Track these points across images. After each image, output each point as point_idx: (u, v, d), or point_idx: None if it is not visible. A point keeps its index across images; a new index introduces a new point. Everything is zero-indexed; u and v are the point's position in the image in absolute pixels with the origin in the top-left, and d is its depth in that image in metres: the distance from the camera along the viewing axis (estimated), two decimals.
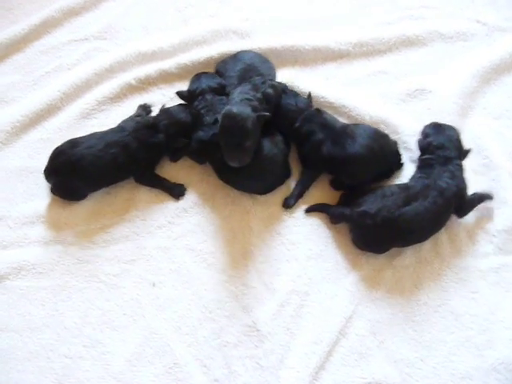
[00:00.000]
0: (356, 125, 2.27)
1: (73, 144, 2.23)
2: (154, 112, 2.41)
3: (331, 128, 2.22)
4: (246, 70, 2.36)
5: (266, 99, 2.20)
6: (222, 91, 2.32)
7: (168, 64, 2.51)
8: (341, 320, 2.04)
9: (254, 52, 2.44)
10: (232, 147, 2.09)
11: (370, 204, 2.08)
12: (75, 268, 2.16)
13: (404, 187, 2.12)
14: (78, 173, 2.20)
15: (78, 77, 2.49)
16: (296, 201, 2.24)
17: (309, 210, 2.23)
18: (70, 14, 2.71)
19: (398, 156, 2.27)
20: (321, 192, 2.27)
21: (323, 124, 2.23)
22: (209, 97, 2.29)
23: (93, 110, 2.44)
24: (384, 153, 2.21)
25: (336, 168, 2.23)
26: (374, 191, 2.13)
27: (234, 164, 2.11)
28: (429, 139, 2.20)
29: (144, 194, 2.28)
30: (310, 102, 2.34)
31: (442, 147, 2.17)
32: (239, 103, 2.13)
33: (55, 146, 2.32)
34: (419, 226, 2.08)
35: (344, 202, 2.21)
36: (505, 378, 1.94)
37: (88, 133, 2.29)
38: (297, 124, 2.25)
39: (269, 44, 2.52)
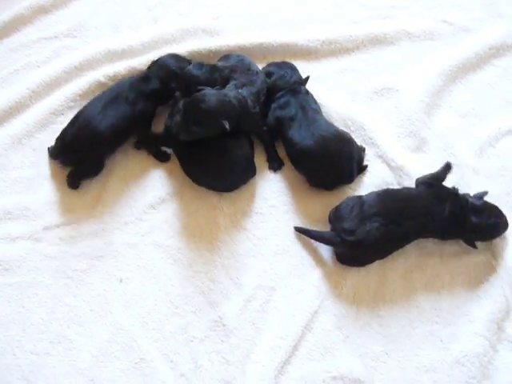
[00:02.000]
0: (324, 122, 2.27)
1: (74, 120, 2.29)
2: None
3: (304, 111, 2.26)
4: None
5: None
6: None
7: (137, 62, 2.50)
8: (306, 315, 2.06)
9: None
10: (180, 120, 2.15)
11: (363, 233, 2.03)
12: (42, 264, 2.15)
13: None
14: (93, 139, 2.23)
15: (47, 74, 2.48)
16: (278, 160, 2.32)
17: (298, 230, 2.20)
18: (40, 11, 2.70)
19: (360, 162, 2.28)
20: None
21: (302, 105, 2.28)
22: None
23: (61, 106, 2.42)
24: (341, 156, 2.19)
25: (291, 156, 2.27)
26: (359, 205, 2.09)
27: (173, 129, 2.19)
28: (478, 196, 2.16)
29: (111, 190, 2.28)
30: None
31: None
32: (221, 94, 2.18)
33: (23, 143, 2.36)
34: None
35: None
36: (468, 370, 1.96)
37: (56, 130, 2.31)
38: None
39: (238, 42, 2.53)
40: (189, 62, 2.41)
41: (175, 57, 2.42)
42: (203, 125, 2.13)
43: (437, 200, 2.10)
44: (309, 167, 2.23)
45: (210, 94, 2.16)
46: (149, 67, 2.40)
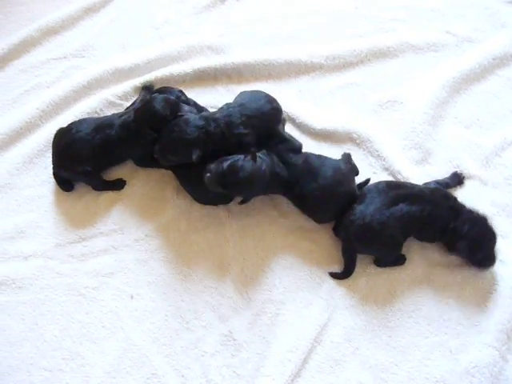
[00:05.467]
0: (318, 158, 2.22)
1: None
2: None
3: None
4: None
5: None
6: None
7: (144, 80, 2.55)
8: (316, 328, 2.07)
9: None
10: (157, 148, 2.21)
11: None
12: (54, 282, 2.19)
13: None
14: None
15: (56, 94, 2.54)
16: None
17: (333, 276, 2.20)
18: (49, 33, 2.76)
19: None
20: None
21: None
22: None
23: None
24: (339, 199, 2.17)
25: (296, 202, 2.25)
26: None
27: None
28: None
29: (121, 208, 2.32)
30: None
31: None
32: (200, 120, 2.19)
33: (34, 162, 2.41)
34: None
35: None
36: (479, 380, 1.97)
37: None
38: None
39: (243, 59, 2.58)
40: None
41: (165, 101, 2.25)
42: (177, 154, 2.17)
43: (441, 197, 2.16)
44: (309, 212, 2.24)
45: (184, 122, 2.18)
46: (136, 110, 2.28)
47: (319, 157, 2.22)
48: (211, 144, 2.18)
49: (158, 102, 2.22)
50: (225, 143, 2.20)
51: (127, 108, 2.43)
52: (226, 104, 2.28)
